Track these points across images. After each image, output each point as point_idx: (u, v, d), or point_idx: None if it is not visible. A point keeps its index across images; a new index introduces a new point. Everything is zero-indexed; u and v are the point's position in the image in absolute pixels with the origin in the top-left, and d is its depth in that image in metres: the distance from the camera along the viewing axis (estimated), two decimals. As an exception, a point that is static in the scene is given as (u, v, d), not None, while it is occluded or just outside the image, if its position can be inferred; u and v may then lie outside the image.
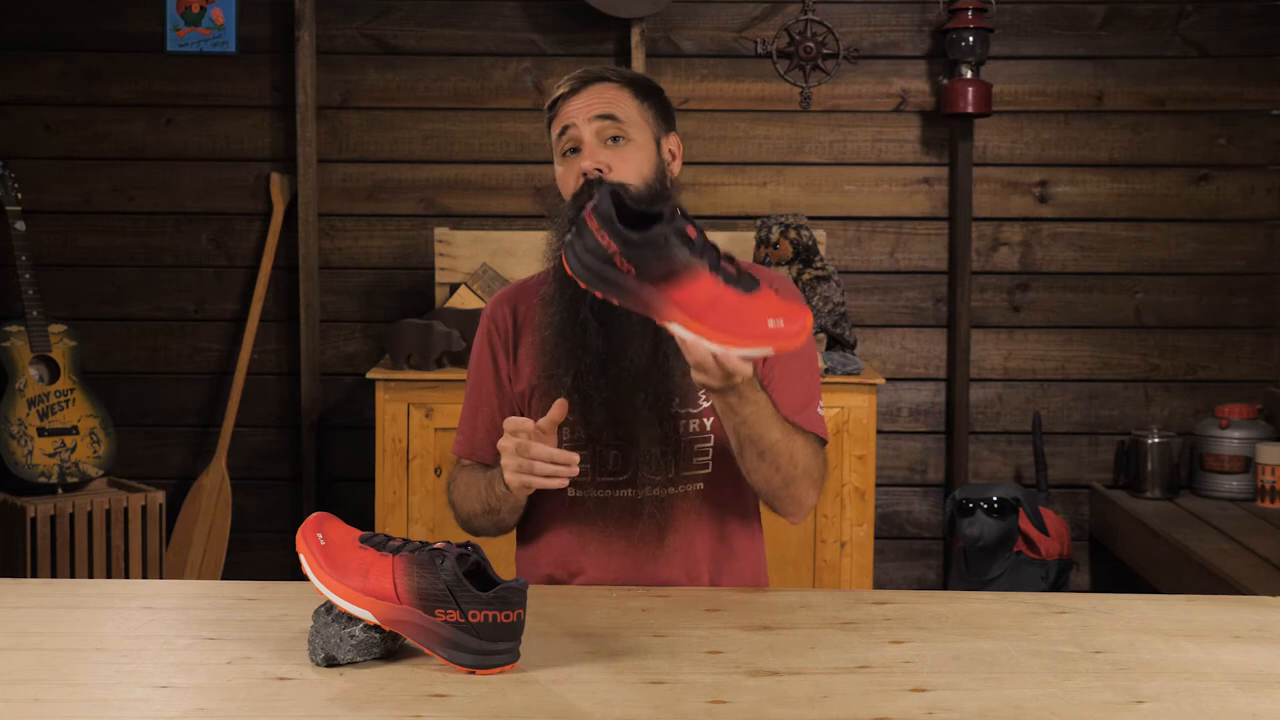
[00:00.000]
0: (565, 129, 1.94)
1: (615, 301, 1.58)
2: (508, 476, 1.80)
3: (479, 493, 1.93)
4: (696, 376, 1.64)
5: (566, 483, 1.79)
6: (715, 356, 1.59)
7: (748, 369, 1.64)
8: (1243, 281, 4.05)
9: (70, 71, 4.04)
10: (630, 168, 1.91)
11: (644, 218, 1.57)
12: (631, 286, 1.54)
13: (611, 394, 1.86)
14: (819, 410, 1.96)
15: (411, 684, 1.43)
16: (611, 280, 1.55)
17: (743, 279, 1.55)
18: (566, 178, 1.94)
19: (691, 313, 1.54)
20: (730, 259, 1.57)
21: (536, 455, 1.76)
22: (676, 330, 1.56)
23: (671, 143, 2.01)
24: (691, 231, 1.54)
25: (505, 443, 1.78)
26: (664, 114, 2.00)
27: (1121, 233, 4.05)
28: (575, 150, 1.94)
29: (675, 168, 2.00)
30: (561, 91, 1.97)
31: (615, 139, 1.92)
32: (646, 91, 1.99)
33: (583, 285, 1.59)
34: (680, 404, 1.91)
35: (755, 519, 2.02)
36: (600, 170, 1.89)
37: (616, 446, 1.90)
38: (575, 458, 1.77)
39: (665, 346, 1.86)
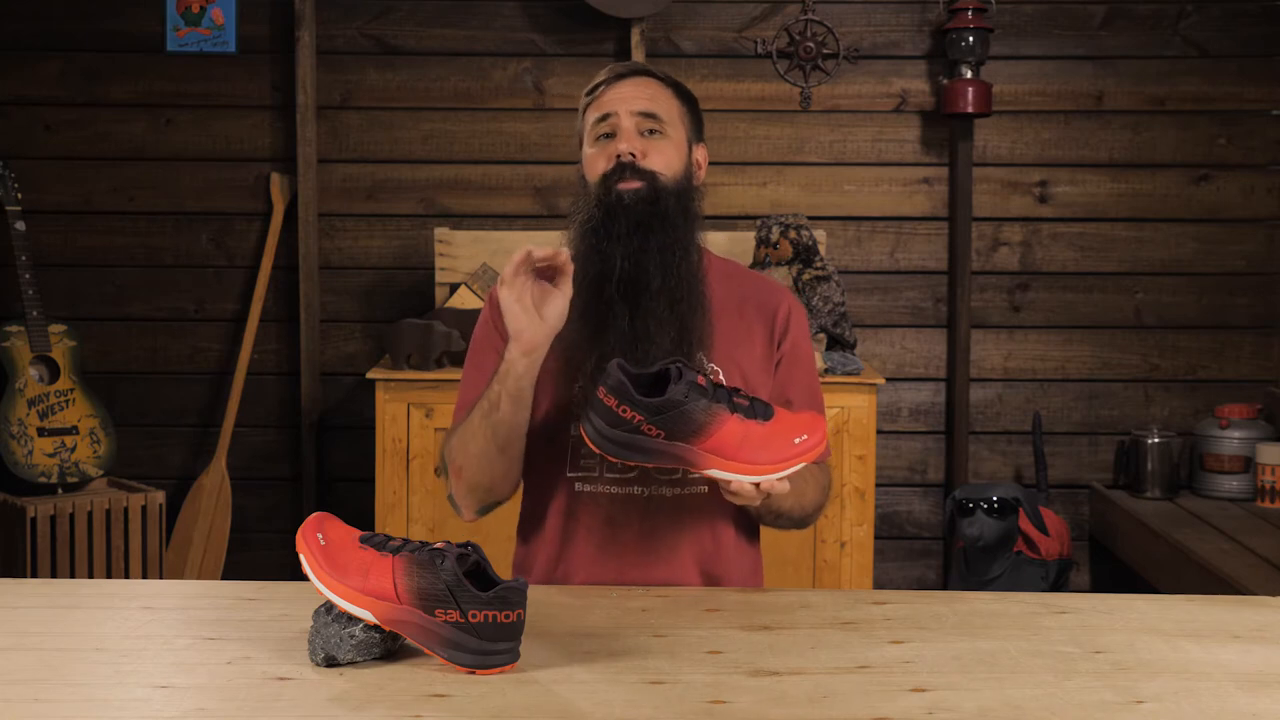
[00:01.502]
0: (605, 115, 1.95)
1: (650, 465, 1.68)
2: (501, 293, 1.77)
3: (479, 413, 1.86)
4: (733, 499, 1.72)
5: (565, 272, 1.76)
6: (758, 485, 1.67)
7: (786, 486, 1.70)
8: (1243, 281, 4.05)
9: (70, 71, 4.04)
10: (662, 160, 1.93)
11: (653, 379, 1.66)
12: (663, 448, 1.64)
13: None
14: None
15: (411, 684, 1.43)
16: (642, 447, 1.64)
17: (757, 407, 1.66)
18: (597, 159, 1.94)
19: (725, 455, 1.64)
20: (738, 391, 1.67)
21: (539, 255, 1.74)
22: (715, 475, 1.66)
23: (699, 152, 2.02)
24: (701, 380, 1.63)
25: (506, 269, 1.77)
26: (697, 123, 2.03)
27: (1121, 233, 4.05)
28: (610, 135, 1.94)
29: (700, 176, 2.02)
30: (604, 79, 1.98)
31: (652, 132, 1.94)
32: (686, 97, 2.01)
33: (612, 459, 1.68)
34: None
35: (754, 527, 2.04)
36: (634, 155, 1.90)
37: None
38: (566, 254, 1.76)
39: (689, 336, 1.88)
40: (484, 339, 2.01)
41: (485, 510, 1.96)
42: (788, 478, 1.69)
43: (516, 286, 1.76)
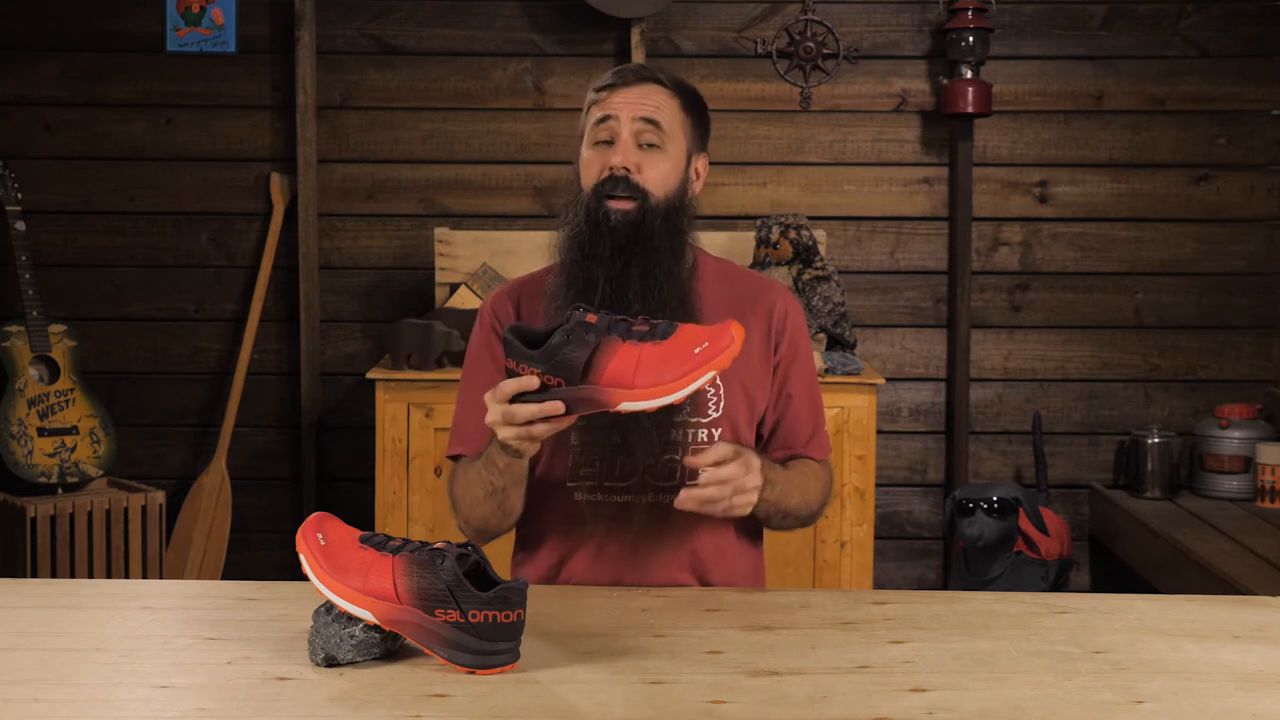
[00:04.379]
0: (605, 118, 1.92)
1: (573, 416, 1.65)
2: (504, 437, 1.71)
3: (478, 475, 1.88)
4: (731, 512, 1.76)
5: (567, 424, 1.70)
6: (717, 475, 1.71)
7: (750, 469, 1.74)
8: (1243, 281, 4.05)
9: (70, 71, 4.04)
10: (656, 175, 1.91)
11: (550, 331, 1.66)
12: (570, 395, 1.63)
13: None
14: (824, 427, 2.05)
15: (411, 684, 1.43)
16: (556, 398, 1.63)
17: (658, 329, 1.63)
18: (592, 164, 1.92)
19: (624, 384, 1.61)
20: (642, 319, 1.65)
21: (524, 415, 1.66)
22: (628, 407, 1.63)
23: (700, 163, 2.00)
24: (591, 317, 1.62)
25: (491, 416, 1.70)
26: (702, 132, 2.00)
27: (1121, 233, 4.05)
28: (609, 142, 1.92)
29: (697, 187, 1.99)
30: (613, 81, 1.95)
31: (651, 145, 1.91)
32: (693, 105, 1.98)
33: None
34: (690, 412, 1.91)
35: (757, 529, 2.03)
36: (628, 169, 1.89)
37: (623, 452, 1.90)
38: (560, 406, 1.66)
39: None
40: (476, 355, 2.01)
41: (489, 539, 1.96)
42: (780, 479, 1.69)
43: (502, 413, 1.69)
